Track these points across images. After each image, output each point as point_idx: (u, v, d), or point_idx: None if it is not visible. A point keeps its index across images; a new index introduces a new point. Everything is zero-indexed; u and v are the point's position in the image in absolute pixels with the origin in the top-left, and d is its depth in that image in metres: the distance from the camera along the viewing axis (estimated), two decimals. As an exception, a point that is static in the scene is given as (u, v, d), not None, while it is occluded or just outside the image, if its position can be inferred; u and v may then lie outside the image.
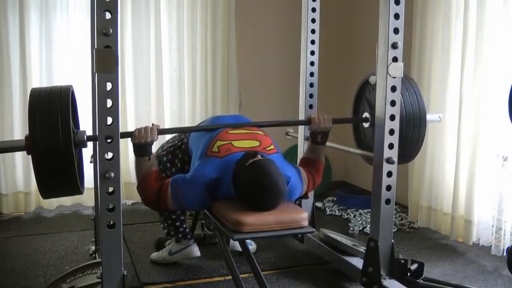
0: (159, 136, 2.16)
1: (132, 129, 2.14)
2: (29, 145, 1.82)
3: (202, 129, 2.44)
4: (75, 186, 1.92)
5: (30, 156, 1.83)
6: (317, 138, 2.43)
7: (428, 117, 2.43)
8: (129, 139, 2.15)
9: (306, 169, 2.37)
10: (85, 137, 1.95)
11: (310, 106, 2.90)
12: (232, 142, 2.21)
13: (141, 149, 2.13)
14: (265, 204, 2.01)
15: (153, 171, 2.17)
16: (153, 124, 2.15)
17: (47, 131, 1.81)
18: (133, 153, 2.18)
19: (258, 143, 2.26)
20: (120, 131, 1.89)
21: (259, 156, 2.08)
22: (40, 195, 1.97)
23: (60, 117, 1.82)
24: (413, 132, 2.38)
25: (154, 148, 2.30)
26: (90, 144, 2.37)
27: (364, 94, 2.58)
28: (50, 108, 1.84)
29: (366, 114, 2.48)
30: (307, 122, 2.43)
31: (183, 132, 2.73)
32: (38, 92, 1.92)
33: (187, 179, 2.15)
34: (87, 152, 2.29)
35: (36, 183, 1.89)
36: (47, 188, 1.92)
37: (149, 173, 2.16)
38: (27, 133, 1.83)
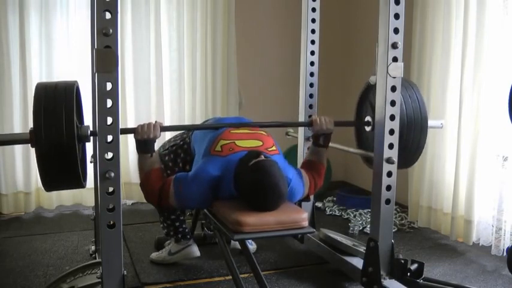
0: (160, 134, 2.16)
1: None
2: (33, 138, 1.86)
3: (205, 127, 2.46)
4: (77, 180, 1.96)
5: (32, 151, 1.87)
6: (319, 140, 2.43)
7: (430, 123, 2.41)
8: (129, 138, 2.16)
9: (308, 171, 2.38)
10: (88, 132, 2.00)
11: (310, 106, 2.90)
12: (235, 141, 2.22)
13: (144, 146, 2.14)
14: (266, 204, 2.01)
15: (155, 169, 2.18)
16: (156, 121, 2.15)
17: (51, 126, 1.85)
18: (134, 152, 2.19)
19: (261, 143, 2.26)
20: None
21: (263, 156, 2.08)
22: (41, 194, 1.99)
23: (64, 112, 1.87)
24: (414, 137, 2.36)
25: (156, 146, 2.29)
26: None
27: (368, 97, 2.56)
28: (55, 103, 1.88)
29: (368, 118, 2.47)
30: (309, 123, 2.42)
31: (186, 129, 2.73)
32: (44, 87, 1.96)
33: (189, 176, 2.15)
34: (89, 151, 2.30)
35: (40, 176, 1.93)
36: (50, 181, 1.96)
37: (152, 170, 2.16)
38: (31, 127, 1.87)
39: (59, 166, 1.88)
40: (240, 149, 2.18)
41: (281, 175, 2.03)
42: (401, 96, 2.28)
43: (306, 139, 2.89)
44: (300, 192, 2.30)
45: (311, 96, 2.90)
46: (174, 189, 2.13)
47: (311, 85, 2.90)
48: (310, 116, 2.80)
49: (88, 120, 2.39)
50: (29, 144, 1.87)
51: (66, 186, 2.11)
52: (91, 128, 2.04)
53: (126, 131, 2.13)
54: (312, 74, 2.90)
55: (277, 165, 2.06)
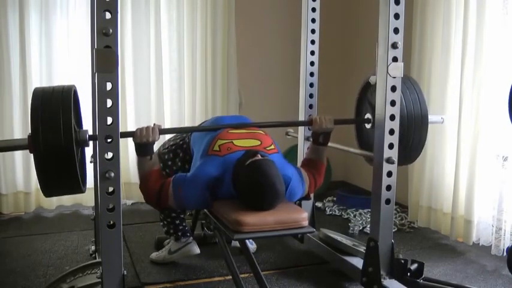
0: (159, 137, 2.16)
1: (133, 129, 2.15)
2: (31, 144, 1.83)
3: (204, 129, 2.45)
4: (77, 185, 1.94)
5: (31, 155, 1.85)
6: (319, 139, 2.43)
7: (431, 118, 2.41)
8: (129, 138, 2.16)
9: (308, 170, 2.38)
10: (87, 136, 1.97)
11: (310, 106, 2.91)
12: (233, 141, 2.23)
13: (143, 149, 2.14)
14: (262, 204, 2.02)
15: (154, 170, 2.18)
16: (154, 124, 2.16)
17: (49, 131, 1.83)
18: (134, 153, 2.19)
19: (259, 142, 2.27)
20: (120, 131, 1.89)
21: (259, 155, 2.08)
22: (41, 194, 1.98)
23: (62, 117, 1.84)
24: (414, 133, 2.36)
25: (156, 146, 2.30)
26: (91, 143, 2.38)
27: (366, 95, 2.57)
28: (52, 108, 1.86)
29: (368, 116, 2.47)
30: (309, 122, 2.44)
31: (184, 132, 2.75)
32: (41, 92, 1.93)
33: (188, 177, 2.16)
34: (88, 151, 2.30)
35: (38, 182, 1.90)
36: (49, 187, 1.94)
37: (151, 172, 2.17)
38: (30, 132, 1.85)
39: (58, 172, 1.86)
40: (238, 149, 2.19)
41: (277, 174, 2.03)
42: (401, 92, 2.28)
43: (306, 139, 2.90)
44: (300, 191, 2.29)
45: (311, 96, 2.90)
46: (173, 191, 2.13)
47: (311, 85, 2.90)
48: (310, 116, 2.81)
49: (87, 124, 2.38)
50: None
51: (66, 191, 2.11)
52: (90, 132, 2.02)
53: (125, 134, 2.13)
54: (312, 74, 2.90)
55: (274, 165, 2.06)
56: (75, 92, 2.03)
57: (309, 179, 2.35)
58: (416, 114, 2.35)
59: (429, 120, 2.40)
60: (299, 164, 2.59)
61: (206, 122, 2.70)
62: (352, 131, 2.73)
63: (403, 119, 2.28)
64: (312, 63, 2.89)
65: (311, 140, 2.51)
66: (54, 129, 1.83)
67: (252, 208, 2.02)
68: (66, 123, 1.84)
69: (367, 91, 2.57)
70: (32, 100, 1.90)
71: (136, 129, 2.12)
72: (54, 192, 2.07)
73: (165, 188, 2.15)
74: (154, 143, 2.16)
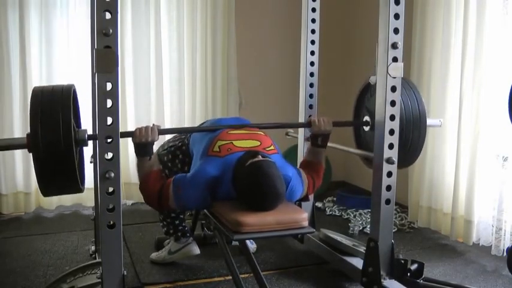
0: (159, 136, 2.17)
1: (132, 129, 2.15)
2: (30, 143, 1.83)
3: (203, 129, 2.45)
4: (75, 185, 1.94)
5: (31, 154, 1.84)
6: (317, 140, 2.44)
7: (429, 121, 2.42)
8: (129, 139, 2.16)
9: (307, 171, 2.38)
10: (86, 135, 1.96)
11: (310, 106, 2.90)
12: (233, 142, 2.22)
13: (142, 149, 2.14)
14: (263, 205, 2.01)
15: (154, 171, 2.18)
16: (153, 124, 2.16)
17: (48, 130, 1.82)
18: (134, 153, 2.19)
19: (259, 143, 2.26)
20: (120, 130, 1.89)
21: (260, 156, 2.08)
22: (41, 194, 1.98)
23: (61, 116, 1.84)
24: (413, 136, 2.37)
25: (155, 147, 2.30)
26: (90, 143, 2.38)
27: (365, 98, 2.58)
28: (52, 106, 1.85)
29: (367, 118, 2.49)
30: (308, 124, 2.44)
31: (183, 132, 2.75)
32: (40, 91, 1.93)
33: (188, 177, 2.16)
34: (88, 151, 2.30)
35: (37, 181, 1.90)
36: (48, 186, 1.93)
37: (150, 172, 2.17)
38: (29, 131, 1.84)
39: (57, 171, 1.86)
40: (238, 149, 2.18)
41: (278, 175, 2.03)
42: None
43: (306, 139, 2.90)
44: (300, 191, 2.29)
45: (311, 96, 2.90)
46: (173, 192, 2.13)
47: (311, 85, 2.90)
48: (310, 116, 2.81)
49: (86, 123, 2.38)
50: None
51: (64, 191, 2.11)
52: (89, 131, 2.01)
53: (125, 134, 2.13)
54: (312, 74, 2.90)
55: (275, 165, 2.06)
56: (75, 92, 2.03)
57: (308, 180, 2.35)
58: (415, 118, 2.37)
59: (427, 123, 2.41)
60: (298, 165, 2.59)
61: (205, 123, 2.70)
62: (351, 130, 2.74)
63: (401, 122, 2.28)
64: (312, 64, 2.89)
65: (309, 141, 2.51)
66: (54, 129, 1.82)
67: (252, 208, 2.02)
68: (66, 122, 1.84)
69: (365, 94, 2.58)
70: (31, 99, 1.89)
71: (136, 129, 2.13)
72: (53, 191, 2.07)
73: (165, 189, 2.14)
74: (153, 143, 2.16)
